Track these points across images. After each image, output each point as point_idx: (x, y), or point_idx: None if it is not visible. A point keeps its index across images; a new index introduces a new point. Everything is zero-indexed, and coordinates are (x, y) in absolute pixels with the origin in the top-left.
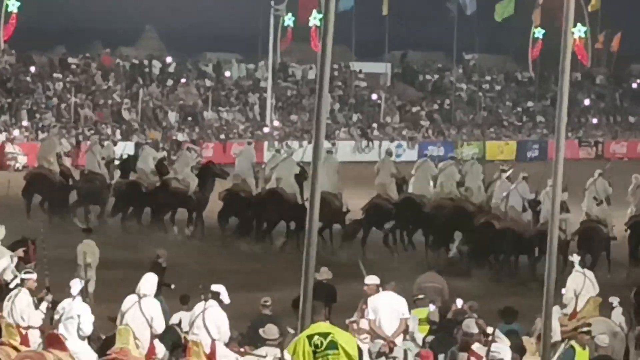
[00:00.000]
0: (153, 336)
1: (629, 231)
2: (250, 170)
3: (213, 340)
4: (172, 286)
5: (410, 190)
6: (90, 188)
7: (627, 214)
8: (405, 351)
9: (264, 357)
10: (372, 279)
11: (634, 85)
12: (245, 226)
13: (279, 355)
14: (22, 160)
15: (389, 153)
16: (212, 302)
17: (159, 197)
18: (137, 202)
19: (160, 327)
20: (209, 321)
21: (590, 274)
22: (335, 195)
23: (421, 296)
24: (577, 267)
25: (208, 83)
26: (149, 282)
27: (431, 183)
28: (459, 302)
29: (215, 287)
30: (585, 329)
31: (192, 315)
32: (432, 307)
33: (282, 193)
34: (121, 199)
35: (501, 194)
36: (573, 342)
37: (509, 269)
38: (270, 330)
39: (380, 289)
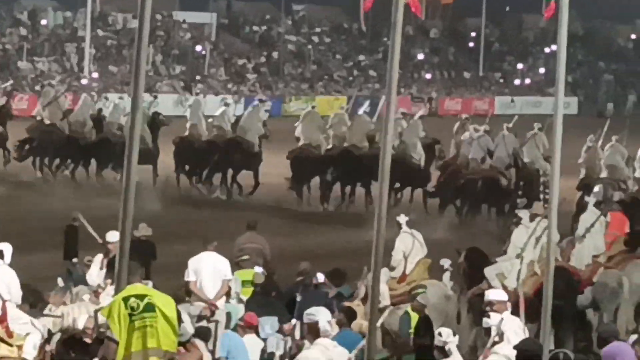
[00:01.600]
0: None
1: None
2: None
3: (3, 301)
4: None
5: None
6: None
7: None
8: (228, 314)
9: (59, 316)
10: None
11: (471, 44)
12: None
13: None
14: None
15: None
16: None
17: None
18: None
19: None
20: None
21: (418, 234)
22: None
23: (245, 257)
24: (404, 227)
25: (23, 31)
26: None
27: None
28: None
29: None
30: (420, 290)
31: None
32: (257, 269)
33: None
34: None
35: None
36: (408, 308)
37: None
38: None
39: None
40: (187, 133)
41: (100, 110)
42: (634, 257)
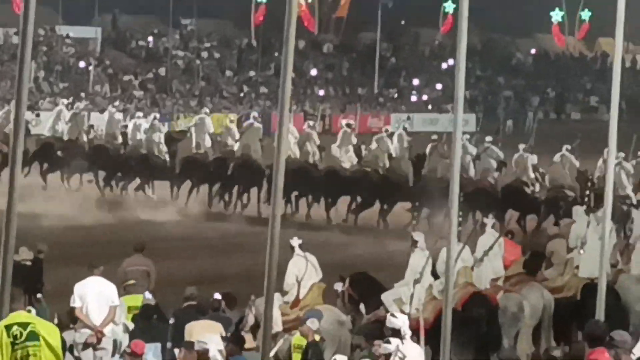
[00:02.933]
0: None
1: None
2: None
3: None
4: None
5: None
6: None
7: None
8: (115, 341)
9: None
10: None
11: (365, 59)
12: None
13: None
14: None
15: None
16: None
17: None
18: None
19: None
20: None
21: (312, 257)
22: None
23: (132, 281)
24: (297, 250)
25: None
26: None
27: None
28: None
29: None
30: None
31: None
32: (148, 295)
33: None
34: None
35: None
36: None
37: None
38: None
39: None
40: (193, 151)
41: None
42: (531, 280)
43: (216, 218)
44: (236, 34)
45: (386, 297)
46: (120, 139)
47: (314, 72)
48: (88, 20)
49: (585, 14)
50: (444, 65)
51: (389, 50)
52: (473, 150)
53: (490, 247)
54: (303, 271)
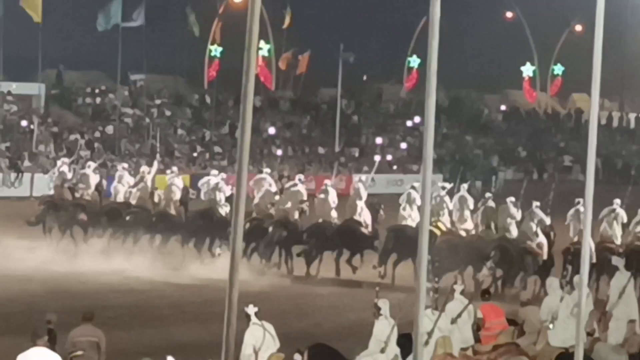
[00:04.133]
0: None
1: None
2: None
3: None
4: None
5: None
6: None
7: None
8: None
9: None
10: None
11: (326, 117)
12: None
13: None
14: None
15: None
16: None
17: None
18: None
19: None
20: None
21: (269, 326)
22: None
23: (79, 352)
24: (253, 319)
25: None
26: None
27: None
28: None
29: None
30: None
31: None
32: None
33: None
34: None
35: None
36: None
37: None
38: None
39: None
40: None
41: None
42: (521, 353)
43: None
44: (188, 91)
45: None
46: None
47: (271, 130)
48: (31, 76)
49: (558, 69)
50: (409, 123)
51: (350, 107)
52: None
53: (459, 315)
54: (260, 341)
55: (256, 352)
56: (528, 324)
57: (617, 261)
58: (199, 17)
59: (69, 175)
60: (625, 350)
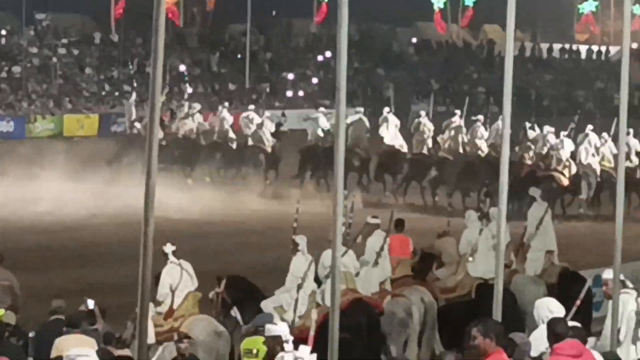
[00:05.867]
0: None
1: None
2: None
3: None
4: None
5: None
6: None
7: None
8: None
9: None
10: None
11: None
12: None
13: None
14: None
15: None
16: None
17: None
18: None
19: None
20: None
21: (187, 265)
22: None
23: None
24: (171, 257)
25: None
26: None
27: None
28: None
29: None
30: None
31: None
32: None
33: None
34: None
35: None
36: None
37: None
38: None
39: None
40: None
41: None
42: (417, 283)
43: None
44: (95, 29)
45: (266, 305)
46: None
47: (181, 67)
48: None
49: (469, 0)
50: (320, 58)
51: (260, 43)
52: None
53: (381, 248)
54: (178, 280)
55: (173, 291)
56: (446, 255)
57: (534, 191)
58: None
59: None
60: (543, 281)
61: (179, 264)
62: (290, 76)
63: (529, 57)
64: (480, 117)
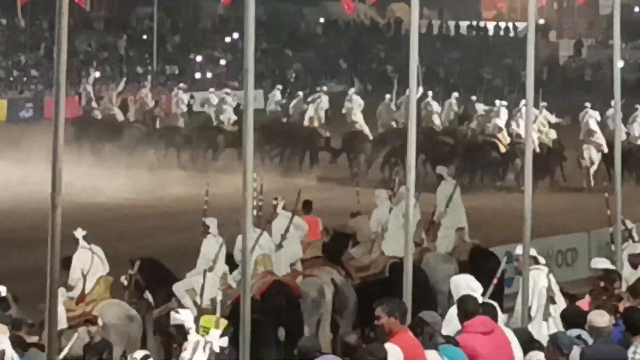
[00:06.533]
0: None
1: None
2: None
3: None
4: None
5: None
6: None
7: None
8: None
9: None
10: None
11: (143, 36)
12: None
13: None
14: None
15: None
16: None
17: None
18: None
19: None
20: None
21: (98, 249)
22: None
23: None
24: (82, 242)
25: None
26: None
27: None
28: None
29: None
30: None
31: None
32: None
33: None
34: None
35: None
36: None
37: None
38: None
39: None
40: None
41: None
42: (326, 264)
43: None
44: (1, 15)
45: (178, 287)
46: None
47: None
48: None
49: None
50: (228, 39)
51: (167, 25)
52: None
53: (287, 230)
54: (89, 264)
55: (84, 276)
56: (360, 234)
57: (441, 170)
58: None
59: None
60: (455, 258)
61: (89, 249)
62: (199, 58)
63: (437, 35)
64: (388, 95)
